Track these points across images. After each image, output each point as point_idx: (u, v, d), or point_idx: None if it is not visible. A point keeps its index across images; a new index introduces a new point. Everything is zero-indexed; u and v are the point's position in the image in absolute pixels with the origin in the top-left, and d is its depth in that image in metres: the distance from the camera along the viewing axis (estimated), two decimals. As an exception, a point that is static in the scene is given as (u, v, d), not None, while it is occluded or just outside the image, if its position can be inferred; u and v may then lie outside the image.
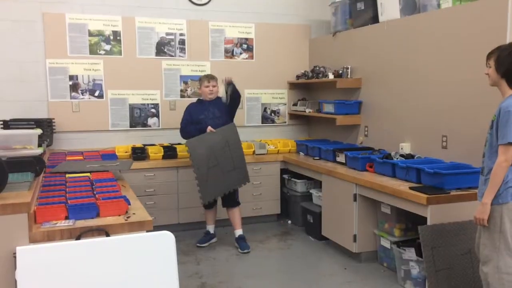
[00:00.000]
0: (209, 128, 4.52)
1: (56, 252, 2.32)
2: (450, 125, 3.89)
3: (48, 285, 2.26)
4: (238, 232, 4.72)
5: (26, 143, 3.40)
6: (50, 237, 2.42)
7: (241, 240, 4.68)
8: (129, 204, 2.79)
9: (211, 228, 4.85)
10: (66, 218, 2.58)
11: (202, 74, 5.57)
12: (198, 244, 4.74)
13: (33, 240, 2.39)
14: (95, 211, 2.64)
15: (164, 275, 2.48)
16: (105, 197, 2.81)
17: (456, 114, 3.83)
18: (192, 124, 4.65)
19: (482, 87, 3.52)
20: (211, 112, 4.65)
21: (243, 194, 4.99)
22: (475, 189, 3.39)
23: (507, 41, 3.26)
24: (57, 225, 2.49)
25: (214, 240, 4.85)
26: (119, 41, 5.26)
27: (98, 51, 5.19)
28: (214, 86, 4.68)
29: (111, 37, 5.22)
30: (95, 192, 2.97)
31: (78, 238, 2.45)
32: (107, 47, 5.22)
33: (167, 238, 2.52)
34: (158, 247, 2.51)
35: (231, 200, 4.69)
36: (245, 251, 4.58)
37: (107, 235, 2.50)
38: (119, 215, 2.67)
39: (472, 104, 3.67)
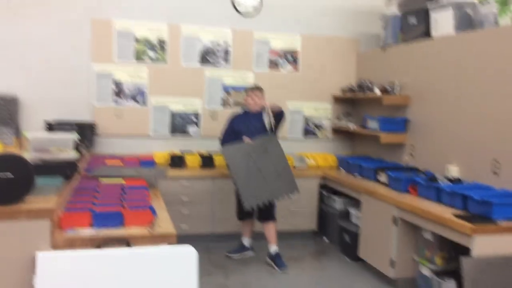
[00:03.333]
0: (246, 138, 4.38)
1: (76, 260, 2.30)
2: (503, 149, 3.61)
3: (67, 292, 2.24)
4: (274, 248, 4.51)
5: (63, 146, 3.43)
6: (72, 244, 2.39)
7: (277, 257, 4.47)
8: (155, 215, 2.74)
9: (246, 241, 4.74)
10: (91, 225, 2.56)
11: (246, 84, 5.57)
12: (227, 254, 4.66)
13: (55, 246, 2.37)
14: (120, 220, 2.60)
15: (184, 290, 2.40)
16: (132, 206, 2.77)
17: (509, 138, 3.55)
18: (232, 134, 4.54)
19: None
20: (253, 125, 4.49)
21: (280, 208, 4.86)
22: (526, 221, 3.13)
23: None
24: (80, 232, 2.46)
25: (249, 253, 4.73)
26: (164, 48, 5.29)
27: (143, 58, 5.24)
28: (256, 97, 4.54)
29: (157, 45, 5.26)
30: (123, 200, 2.94)
31: (99, 246, 2.40)
32: (153, 54, 5.27)
33: (189, 253, 2.44)
34: (180, 262, 2.43)
35: (267, 214, 4.49)
36: (283, 269, 4.38)
37: (129, 245, 2.45)
38: (144, 226, 2.62)
39: (528, 128, 3.39)
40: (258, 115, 4.52)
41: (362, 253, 4.48)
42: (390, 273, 4.02)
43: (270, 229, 4.53)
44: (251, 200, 4.14)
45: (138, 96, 5.27)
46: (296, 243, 5.15)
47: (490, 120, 3.74)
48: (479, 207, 3.23)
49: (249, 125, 4.51)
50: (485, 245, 3.04)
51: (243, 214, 4.55)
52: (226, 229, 5.06)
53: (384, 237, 4.07)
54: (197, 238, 4.81)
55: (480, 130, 3.85)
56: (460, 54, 4.07)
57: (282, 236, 5.03)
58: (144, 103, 5.29)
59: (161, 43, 5.28)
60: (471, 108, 3.95)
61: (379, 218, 4.16)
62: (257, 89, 4.61)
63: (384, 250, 4.08)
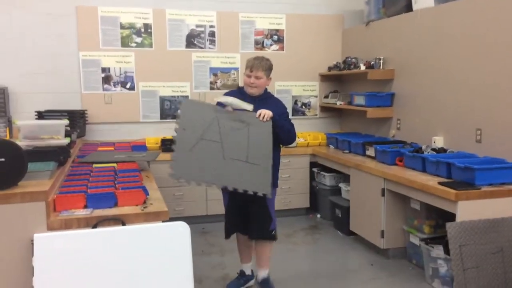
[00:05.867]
0: (227, 108, 3.13)
1: (72, 240, 2.36)
2: (485, 118, 3.70)
3: (64, 271, 2.31)
4: (263, 274, 3.54)
5: (54, 133, 3.47)
6: (67, 225, 2.45)
7: (265, 285, 3.53)
8: (147, 194, 2.80)
9: (247, 268, 3.67)
10: (85, 207, 2.62)
11: (232, 66, 5.60)
12: None
13: (51, 227, 2.43)
14: (113, 200, 2.67)
15: (178, 265, 2.48)
16: (124, 187, 2.83)
17: (491, 107, 3.64)
18: None
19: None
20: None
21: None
22: (509, 185, 3.24)
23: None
24: (75, 213, 2.53)
25: (251, 283, 3.66)
26: (150, 33, 5.30)
27: (129, 43, 5.26)
28: (258, 78, 3.27)
29: (142, 30, 5.28)
30: (116, 182, 3.01)
31: (94, 226, 2.47)
32: (138, 39, 5.28)
33: (182, 229, 2.52)
34: (173, 237, 2.50)
35: (262, 230, 3.42)
36: None
37: (123, 224, 2.52)
38: (137, 205, 2.68)
39: (508, 97, 3.47)
40: (264, 102, 3.31)
41: (354, 226, 4.58)
42: (381, 244, 4.13)
43: (264, 250, 3.52)
44: (182, 170, 2.94)
45: (127, 82, 5.29)
46: (289, 221, 5.25)
47: (473, 90, 3.82)
48: (463, 174, 3.33)
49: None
50: (469, 210, 3.15)
51: (228, 229, 3.57)
52: (220, 211, 5.12)
53: (374, 209, 4.17)
54: (192, 220, 4.89)
55: (463, 100, 3.93)
56: (440, 25, 4.13)
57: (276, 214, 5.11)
58: (132, 88, 5.32)
59: (147, 28, 5.29)
60: (454, 79, 4.03)
61: (368, 191, 4.25)
62: (258, 65, 3.28)
63: (374, 222, 4.19)
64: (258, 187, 2.98)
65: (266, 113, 3.13)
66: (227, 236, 3.57)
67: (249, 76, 3.31)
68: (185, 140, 2.96)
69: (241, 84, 4.74)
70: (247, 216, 3.45)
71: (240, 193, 3.05)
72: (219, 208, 5.09)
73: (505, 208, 3.18)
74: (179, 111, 3.08)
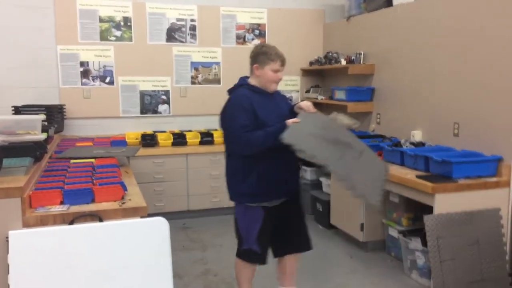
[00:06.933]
0: (292, 120, 2.70)
1: (49, 236, 2.33)
2: (463, 113, 3.75)
3: (41, 268, 2.27)
4: None
5: (31, 128, 3.41)
6: (43, 221, 2.43)
7: None
8: (126, 190, 2.78)
9: None
10: (62, 203, 2.59)
11: (213, 60, 5.57)
12: None
13: (26, 224, 2.40)
14: (90, 196, 2.64)
15: (157, 261, 2.46)
16: (102, 183, 2.80)
17: (469, 101, 3.68)
18: (258, 126, 2.71)
19: (496, 74, 3.38)
20: (282, 109, 2.89)
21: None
22: (485, 178, 3.29)
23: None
24: (51, 210, 2.50)
25: None
26: (130, 27, 5.24)
27: (108, 37, 5.19)
28: (281, 73, 2.92)
29: (122, 23, 5.21)
30: (94, 178, 2.97)
31: (71, 223, 2.45)
32: (118, 33, 5.22)
33: (160, 224, 2.50)
34: (152, 233, 2.48)
35: (309, 239, 3.06)
36: None
37: (100, 220, 2.49)
38: (115, 201, 2.66)
39: (485, 91, 3.52)
40: (279, 96, 3.01)
41: (334, 220, 4.62)
42: (361, 236, 4.17)
43: (294, 264, 3.16)
44: (376, 193, 2.64)
45: (106, 76, 5.23)
46: (271, 215, 5.25)
47: (451, 84, 3.87)
48: (440, 167, 3.37)
49: (277, 109, 2.85)
50: (446, 202, 3.19)
51: (273, 250, 3.07)
52: (201, 206, 5.13)
53: (354, 203, 4.20)
54: (173, 215, 4.87)
55: (441, 95, 3.98)
56: (420, 20, 4.17)
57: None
58: (112, 83, 5.26)
59: (126, 22, 5.22)
60: (432, 74, 4.07)
61: (348, 184, 4.28)
62: (285, 60, 2.95)
63: (354, 216, 4.22)
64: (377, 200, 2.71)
65: (309, 104, 2.86)
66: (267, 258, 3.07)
67: (277, 71, 2.85)
68: (340, 167, 2.64)
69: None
70: (282, 232, 3.01)
71: (276, 209, 2.82)
72: (200, 203, 5.11)
73: (481, 201, 3.23)
74: (292, 145, 2.57)
